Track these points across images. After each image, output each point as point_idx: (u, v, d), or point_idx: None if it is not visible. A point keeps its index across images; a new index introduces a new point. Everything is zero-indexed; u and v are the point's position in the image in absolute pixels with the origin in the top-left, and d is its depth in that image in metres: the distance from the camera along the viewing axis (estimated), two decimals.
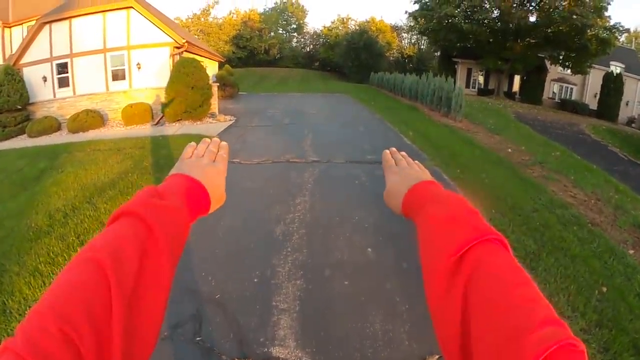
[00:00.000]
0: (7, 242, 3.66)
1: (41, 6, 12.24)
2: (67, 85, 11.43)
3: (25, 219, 4.15)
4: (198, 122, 10.16)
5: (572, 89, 24.64)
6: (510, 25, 20.54)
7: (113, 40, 11.17)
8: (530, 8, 20.98)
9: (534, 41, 21.51)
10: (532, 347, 0.29)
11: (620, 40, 25.24)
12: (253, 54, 40.09)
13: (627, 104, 22.60)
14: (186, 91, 9.74)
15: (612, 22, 19.70)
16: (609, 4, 19.12)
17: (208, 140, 0.61)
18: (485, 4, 21.24)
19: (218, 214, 0.55)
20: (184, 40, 11.17)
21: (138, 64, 11.16)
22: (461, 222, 0.43)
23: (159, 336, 0.40)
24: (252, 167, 5.83)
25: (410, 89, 15.56)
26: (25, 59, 11.45)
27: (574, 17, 18.13)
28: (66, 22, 11.09)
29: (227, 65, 18.71)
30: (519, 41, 21.56)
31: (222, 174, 0.57)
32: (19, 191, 5.48)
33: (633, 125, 21.70)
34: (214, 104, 11.34)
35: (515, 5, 20.44)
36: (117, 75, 11.38)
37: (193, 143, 0.60)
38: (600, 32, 19.12)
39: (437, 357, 2.18)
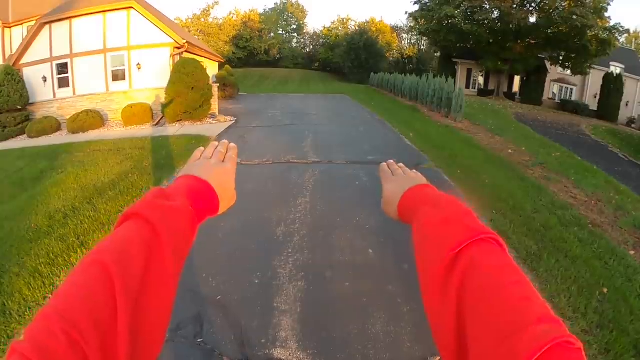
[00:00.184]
0: (7, 242, 3.65)
1: (41, 6, 12.22)
2: (67, 85, 11.43)
3: (25, 220, 4.14)
4: (198, 123, 10.16)
5: (572, 89, 24.66)
6: (511, 25, 20.55)
7: (113, 40, 11.17)
8: (531, 9, 21.02)
9: (534, 42, 21.56)
10: (526, 345, 0.28)
11: (620, 41, 25.26)
12: (253, 55, 40.13)
13: (627, 105, 22.61)
14: (186, 92, 9.73)
15: (612, 23, 19.74)
16: (609, 4, 19.14)
17: (216, 143, 0.61)
18: (486, 4, 21.25)
19: (218, 215, 0.57)
20: (184, 41, 11.17)
21: (138, 64, 11.16)
22: (454, 222, 0.43)
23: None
24: (253, 167, 5.83)
25: (410, 89, 15.57)
26: (25, 59, 11.44)
27: (574, 17, 18.16)
28: (66, 22, 11.08)
29: (227, 66, 18.70)
30: (519, 42, 21.57)
31: (231, 173, 0.57)
32: (19, 192, 5.47)
33: (633, 125, 21.72)
34: (214, 104, 11.34)
35: (515, 5, 20.45)
36: (117, 76, 11.37)
37: (202, 147, 0.60)
38: (600, 32, 19.16)
39: (438, 358, 2.17)
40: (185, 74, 9.71)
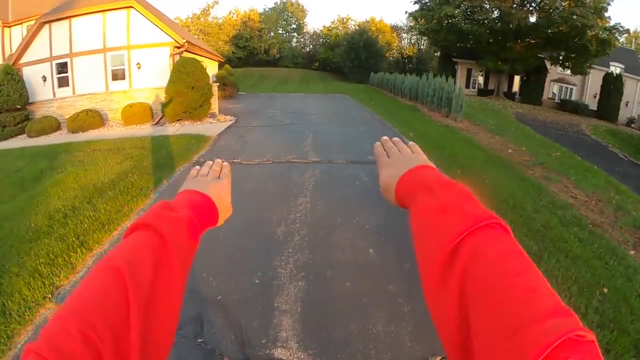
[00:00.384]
0: (7, 242, 3.64)
1: (41, 6, 12.20)
2: (67, 85, 11.41)
3: (25, 220, 4.13)
4: (198, 122, 10.14)
5: (572, 89, 24.66)
6: (511, 25, 20.55)
7: (113, 39, 11.15)
8: (531, 8, 21.01)
9: (534, 42, 21.55)
10: (533, 342, 0.26)
11: (620, 40, 25.28)
12: (253, 54, 40.11)
13: (626, 105, 22.61)
14: (186, 91, 9.72)
15: (612, 23, 19.75)
16: (609, 4, 19.15)
17: (211, 162, 0.67)
18: (486, 4, 21.24)
19: (217, 226, 0.60)
20: (184, 40, 11.15)
21: (138, 63, 11.14)
22: (453, 210, 0.41)
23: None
24: (253, 167, 5.82)
25: (410, 89, 15.57)
26: (25, 58, 11.42)
27: (574, 17, 18.16)
28: (66, 21, 11.06)
29: (227, 65, 18.70)
30: (519, 41, 21.57)
31: (227, 188, 0.62)
32: (19, 191, 5.46)
33: (633, 125, 21.72)
34: (214, 104, 11.33)
35: (515, 5, 20.45)
36: (117, 75, 11.35)
37: (197, 167, 0.65)
38: (600, 32, 19.16)
39: (439, 358, 2.17)
40: (185, 74, 9.69)
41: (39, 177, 6.00)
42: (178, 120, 10.13)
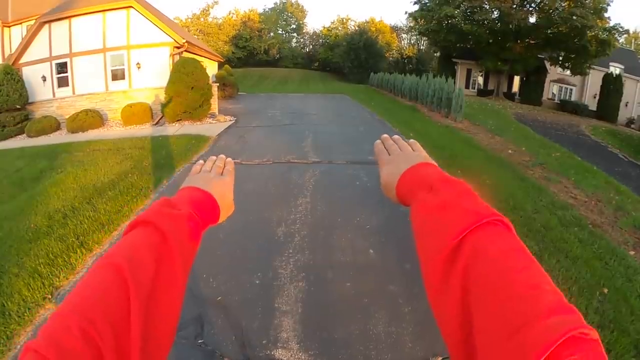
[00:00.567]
0: (6, 243, 3.64)
1: (41, 5, 12.19)
2: (67, 84, 11.40)
3: (25, 220, 4.12)
4: (198, 122, 10.14)
5: (571, 89, 24.68)
6: (510, 26, 20.57)
7: (113, 39, 11.15)
8: (530, 9, 21.02)
9: (533, 42, 21.57)
10: (536, 341, 0.26)
11: (620, 41, 25.30)
12: (252, 54, 40.11)
13: (626, 105, 22.63)
14: (186, 91, 9.72)
15: (611, 23, 19.77)
16: (608, 4, 19.17)
17: (214, 157, 0.65)
18: (485, 4, 21.25)
19: (218, 224, 0.60)
20: (183, 40, 11.15)
21: (138, 63, 11.14)
22: (454, 207, 0.41)
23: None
24: (253, 167, 5.82)
25: (410, 89, 15.57)
26: (25, 58, 11.41)
27: (574, 18, 18.17)
28: (66, 21, 11.06)
29: (226, 66, 18.70)
30: (518, 42, 21.59)
31: (230, 185, 0.61)
32: (18, 191, 5.45)
33: (632, 126, 21.74)
34: (214, 104, 11.33)
35: (515, 6, 20.47)
36: (117, 75, 11.35)
37: (201, 161, 0.64)
38: (600, 33, 19.17)
39: (440, 358, 2.17)
40: (184, 74, 9.69)
41: (39, 177, 6.00)
42: (178, 120, 10.12)
